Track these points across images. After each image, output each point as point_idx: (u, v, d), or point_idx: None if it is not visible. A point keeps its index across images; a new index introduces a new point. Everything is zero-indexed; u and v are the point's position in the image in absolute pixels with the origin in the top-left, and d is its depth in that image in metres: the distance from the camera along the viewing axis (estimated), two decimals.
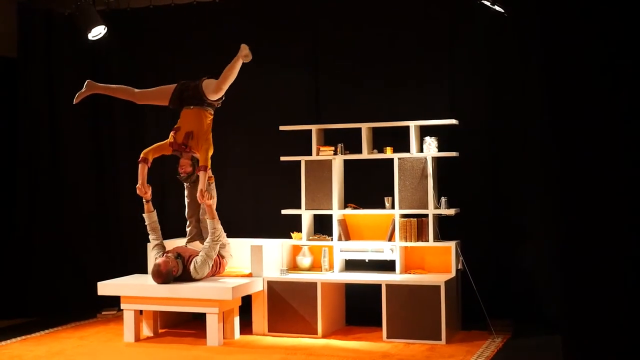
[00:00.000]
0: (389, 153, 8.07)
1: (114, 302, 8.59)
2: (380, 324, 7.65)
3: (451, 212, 7.89)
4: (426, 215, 7.92)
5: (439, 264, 8.02)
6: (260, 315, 7.95)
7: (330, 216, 8.25)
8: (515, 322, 7.86)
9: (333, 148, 8.24)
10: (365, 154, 8.15)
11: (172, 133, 7.86)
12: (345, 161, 8.39)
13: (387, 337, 7.57)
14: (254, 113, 8.91)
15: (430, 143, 7.95)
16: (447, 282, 7.53)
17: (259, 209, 8.92)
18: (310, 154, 8.32)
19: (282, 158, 8.42)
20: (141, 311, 7.94)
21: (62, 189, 9.44)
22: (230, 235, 8.13)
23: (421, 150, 8.04)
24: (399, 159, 8.00)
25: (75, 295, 9.22)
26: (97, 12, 8.62)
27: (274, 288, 7.93)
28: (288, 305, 7.87)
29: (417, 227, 7.92)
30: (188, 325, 8.40)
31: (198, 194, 7.71)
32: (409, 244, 7.97)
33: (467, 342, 7.47)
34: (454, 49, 8.28)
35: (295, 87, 8.75)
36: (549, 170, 7.70)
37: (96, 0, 8.90)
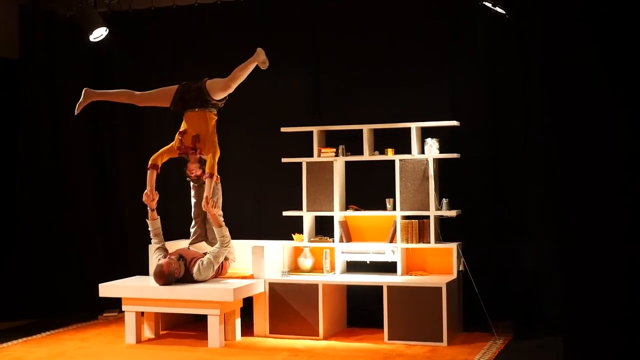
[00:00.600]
0: (390, 154, 8.07)
1: (115, 303, 8.60)
2: (381, 326, 7.65)
3: (452, 213, 7.89)
4: (427, 217, 7.92)
5: (440, 265, 8.02)
6: (261, 316, 7.95)
7: (332, 218, 8.25)
8: (516, 324, 7.85)
9: (334, 149, 8.24)
10: (366, 156, 8.15)
11: (177, 136, 7.86)
12: (347, 163, 8.39)
13: (389, 339, 7.56)
14: (255, 114, 8.91)
15: (432, 144, 7.94)
16: (448, 284, 7.52)
17: (260, 210, 8.92)
18: (312, 156, 8.32)
19: (284, 159, 8.42)
20: (142, 313, 7.94)
21: (63, 191, 9.45)
22: (231, 236, 8.11)
23: (422, 151, 8.04)
24: (400, 160, 8.00)
25: (77, 297, 9.22)
26: (98, 14, 8.63)
27: (275, 290, 7.93)
28: (289, 307, 7.87)
29: (418, 229, 7.92)
30: (189, 326, 8.40)
31: (203, 202, 7.72)
32: (410, 245, 7.97)
33: (468, 343, 7.47)
34: (455, 50, 8.28)
35: (296, 88, 8.75)
36: (549, 171, 7.70)
37: (98, 1, 8.90)
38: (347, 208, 8.31)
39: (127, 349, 7.61)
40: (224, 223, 7.84)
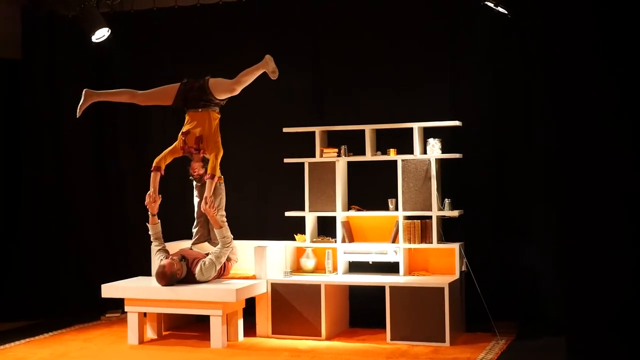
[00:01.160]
0: (392, 155, 8.07)
1: (117, 304, 8.60)
2: (384, 326, 7.64)
3: (455, 213, 7.89)
4: (430, 217, 7.91)
5: (442, 265, 8.01)
6: (264, 317, 7.95)
7: (334, 218, 8.25)
8: (519, 324, 7.85)
9: (336, 150, 8.24)
10: (368, 156, 8.15)
11: (180, 137, 7.85)
12: (349, 163, 8.39)
13: (391, 339, 7.56)
14: (257, 115, 8.91)
15: (434, 145, 7.94)
16: (450, 284, 7.52)
17: (263, 210, 8.92)
18: (314, 156, 8.32)
19: (286, 160, 8.42)
20: (145, 313, 7.94)
21: (65, 191, 9.45)
22: (233, 237, 8.12)
23: (425, 151, 8.04)
24: (402, 160, 8.00)
25: (79, 298, 9.23)
26: (100, 15, 8.63)
27: (277, 290, 7.93)
28: (292, 307, 7.87)
29: (420, 229, 7.92)
30: (192, 327, 8.40)
31: (202, 203, 7.72)
32: (412, 245, 7.96)
33: (471, 343, 7.46)
34: (457, 50, 8.28)
35: (298, 89, 8.75)
36: (552, 171, 7.70)
37: (100, 2, 8.90)
38: (349, 208, 8.31)
39: (130, 349, 7.61)
40: (225, 224, 7.83)
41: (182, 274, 7.72)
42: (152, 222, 7.93)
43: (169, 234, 8.28)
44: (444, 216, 7.97)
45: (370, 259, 8.08)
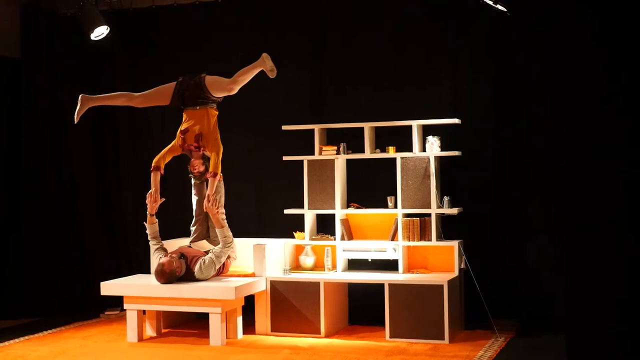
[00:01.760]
0: (391, 152, 8.07)
1: (117, 302, 8.60)
2: (383, 324, 7.65)
3: (454, 211, 7.89)
4: (429, 215, 7.91)
5: (441, 263, 8.01)
6: (263, 314, 7.95)
7: (333, 216, 8.25)
8: (518, 321, 7.84)
9: (335, 147, 8.23)
10: (367, 154, 8.15)
11: (179, 135, 7.84)
12: (348, 161, 8.39)
13: (390, 337, 7.56)
14: (256, 113, 8.91)
15: (433, 142, 7.94)
16: (450, 282, 7.52)
17: (262, 208, 8.92)
18: (313, 154, 8.32)
19: (285, 158, 8.42)
20: (144, 311, 7.95)
21: (66, 189, 9.46)
22: (233, 235, 8.12)
23: (424, 149, 8.04)
24: (401, 158, 8.00)
25: (79, 296, 9.23)
26: (99, 13, 8.63)
27: (276, 288, 7.93)
28: (291, 305, 7.87)
29: (419, 227, 7.92)
30: (191, 325, 8.40)
31: (205, 201, 7.72)
32: (411, 243, 7.96)
33: (470, 341, 7.46)
34: (456, 48, 8.28)
35: (297, 86, 8.75)
36: (551, 168, 7.70)
37: (99, 0, 8.90)
38: (348, 206, 8.31)
39: (129, 347, 7.61)
40: (226, 223, 7.83)
41: (181, 271, 7.72)
42: (149, 221, 7.92)
43: (168, 232, 8.28)
44: (443, 214, 7.97)
45: (370, 256, 8.08)
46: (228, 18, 9.01)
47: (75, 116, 7.85)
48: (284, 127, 8.48)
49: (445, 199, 7.92)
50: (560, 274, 7.54)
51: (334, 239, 8.20)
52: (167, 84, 7.92)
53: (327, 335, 7.80)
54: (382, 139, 8.24)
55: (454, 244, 7.84)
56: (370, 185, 8.37)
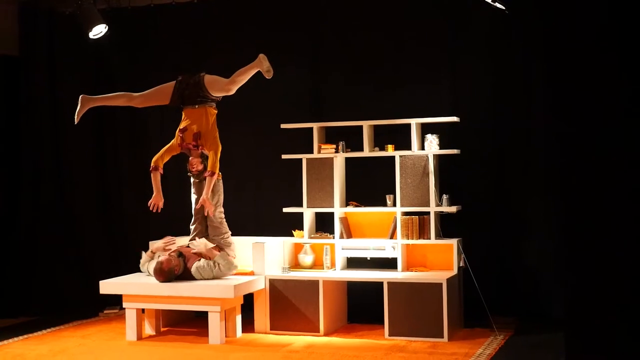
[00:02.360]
0: (390, 151, 8.07)
1: (116, 300, 8.60)
2: (382, 322, 7.65)
3: (453, 209, 7.89)
4: (428, 213, 7.92)
5: (440, 261, 8.02)
6: (262, 313, 7.96)
7: (332, 214, 8.25)
8: (517, 319, 7.85)
9: (334, 146, 8.23)
10: (366, 152, 8.15)
11: (178, 133, 7.84)
12: (347, 159, 8.39)
13: (389, 335, 7.57)
14: (255, 111, 8.90)
15: (432, 140, 7.94)
16: (449, 280, 7.52)
17: (261, 207, 8.92)
18: (312, 152, 8.32)
19: (284, 156, 8.42)
20: (143, 310, 7.95)
21: (65, 188, 9.45)
22: (232, 233, 8.13)
23: (423, 147, 8.04)
24: (400, 156, 8.00)
25: (78, 294, 9.22)
26: (98, 11, 8.63)
27: (275, 286, 7.93)
28: (290, 303, 7.87)
29: (418, 225, 7.92)
30: (190, 323, 8.41)
31: (201, 199, 7.70)
32: (410, 241, 7.97)
33: (469, 339, 7.47)
34: (455, 46, 8.27)
35: (296, 85, 8.74)
36: (551, 167, 7.70)
37: None
38: (347, 204, 8.31)
39: (128, 345, 7.61)
40: (224, 221, 7.80)
41: (179, 270, 7.72)
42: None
43: (167, 231, 8.28)
44: (442, 212, 7.98)
45: (369, 254, 8.08)
46: (227, 16, 9.01)
47: (76, 116, 7.85)
48: (283, 126, 8.47)
49: (444, 197, 7.93)
50: (559, 272, 7.54)
51: (333, 238, 8.20)
52: (166, 83, 7.93)
53: (326, 334, 7.80)
54: (381, 137, 8.24)
55: (453, 242, 7.85)
56: (369, 184, 8.37)
